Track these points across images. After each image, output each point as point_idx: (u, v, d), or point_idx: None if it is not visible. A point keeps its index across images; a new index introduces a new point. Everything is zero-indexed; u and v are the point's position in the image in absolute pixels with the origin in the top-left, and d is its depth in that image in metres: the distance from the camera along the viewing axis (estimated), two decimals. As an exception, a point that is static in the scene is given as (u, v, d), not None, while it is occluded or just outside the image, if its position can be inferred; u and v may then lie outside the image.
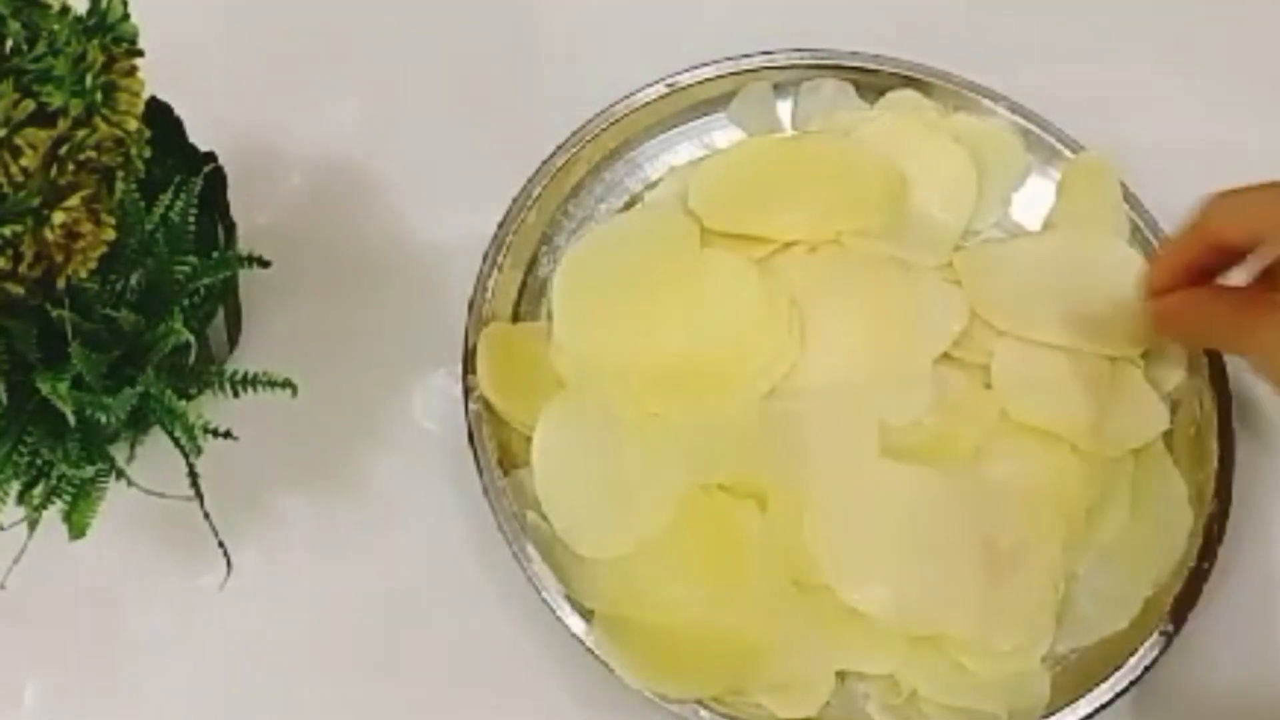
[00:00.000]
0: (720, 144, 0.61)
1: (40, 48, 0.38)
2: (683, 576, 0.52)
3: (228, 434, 0.49)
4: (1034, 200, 0.60)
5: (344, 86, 0.63)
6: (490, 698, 0.53)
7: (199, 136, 0.52)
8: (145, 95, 0.40)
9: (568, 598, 0.51)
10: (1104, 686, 0.50)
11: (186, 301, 0.48)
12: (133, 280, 0.47)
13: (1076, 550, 0.53)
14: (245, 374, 0.48)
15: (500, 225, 0.56)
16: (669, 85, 0.59)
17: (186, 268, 0.48)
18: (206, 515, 0.48)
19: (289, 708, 0.53)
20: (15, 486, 0.46)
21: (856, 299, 0.56)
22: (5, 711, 0.52)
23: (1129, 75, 0.65)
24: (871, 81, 0.60)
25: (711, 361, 0.55)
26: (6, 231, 0.38)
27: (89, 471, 0.46)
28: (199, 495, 0.48)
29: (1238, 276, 0.49)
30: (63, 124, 0.38)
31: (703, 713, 0.49)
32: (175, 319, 0.45)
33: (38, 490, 0.46)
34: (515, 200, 0.57)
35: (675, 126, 0.61)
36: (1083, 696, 0.50)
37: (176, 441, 0.47)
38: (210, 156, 0.52)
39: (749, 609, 0.51)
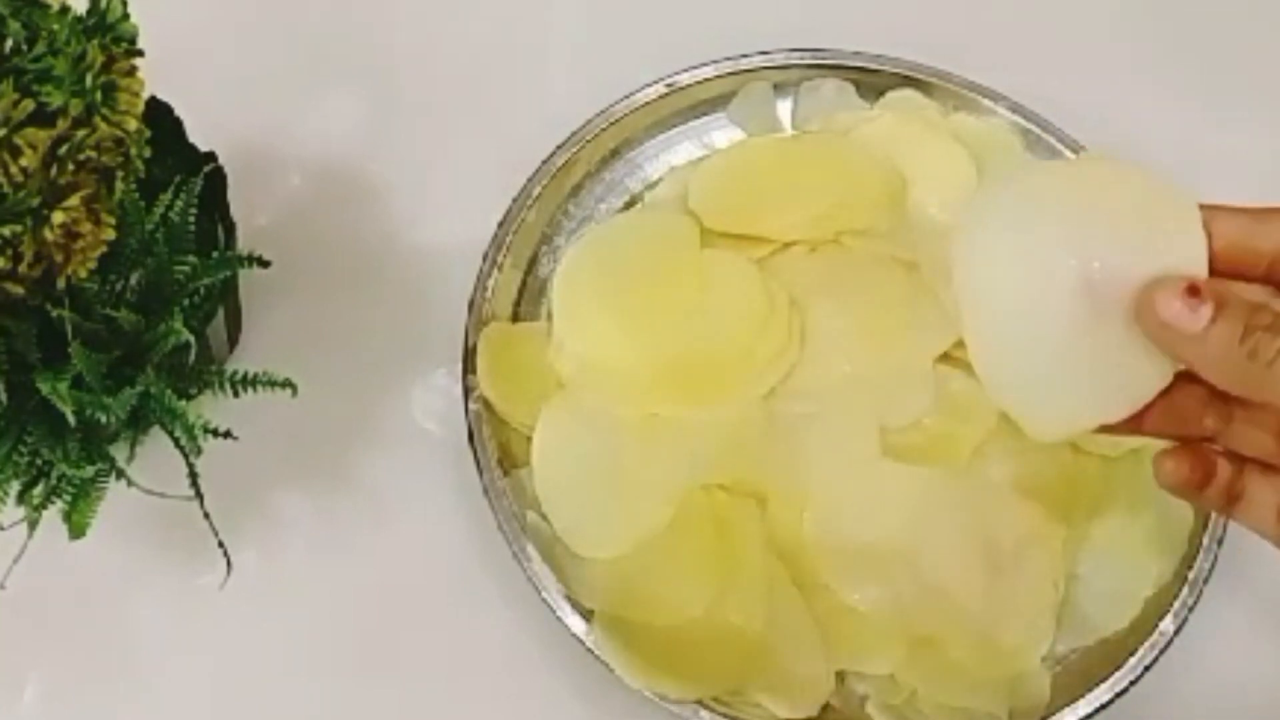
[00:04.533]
0: (720, 144, 0.61)
1: (40, 48, 0.38)
2: (683, 576, 0.52)
3: (228, 434, 0.49)
4: (1034, 200, 0.59)
5: (344, 87, 0.63)
6: (490, 698, 0.53)
7: (199, 136, 0.52)
8: (145, 95, 0.40)
9: (568, 598, 0.51)
10: (1104, 686, 0.50)
11: (186, 301, 0.48)
12: (133, 280, 0.47)
13: (1076, 550, 0.53)
14: (245, 374, 0.48)
15: (500, 225, 0.56)
16: (669, 85, 0.59)
17: (186, 268, 0.48)
18: (206, 515, 0.48)
19: (289, 707, 0.53)
20: (15, 486, 0.46)
21: (856, 299, 0.56)
22: (5, 709, 0.52)
23: (1129, 75, 0.65)
24: (871, 81, 0.60)
25: (711, 361, 0.55)
26: (6, 231, 0.38)
27: (89, 471, 0.46)
28: (199, 495, 0.48)
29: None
30: (62, 124, 0.38)
31: (703, 713, 0.49)
32: (175, 319, 0.45)
33: (38, 490, 0.46)
34: (515, 200, 0.57)
35: (675, 126, 0.61)
36: (1083, 696, 0.50)
37: (176, 441, 0.47)
38: (210, 156, 0.52)
39: (749, 609, 0.51)
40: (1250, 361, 0.34)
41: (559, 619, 0.50)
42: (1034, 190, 0.39)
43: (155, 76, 0.42)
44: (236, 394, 0.49)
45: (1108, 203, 0.37)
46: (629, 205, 0.60)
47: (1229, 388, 0.36)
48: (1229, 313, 0.34)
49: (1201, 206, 0.37)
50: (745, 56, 0.60)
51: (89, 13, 0.40)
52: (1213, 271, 0.37)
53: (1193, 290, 0.35)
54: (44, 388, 0.43)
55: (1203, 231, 0.37)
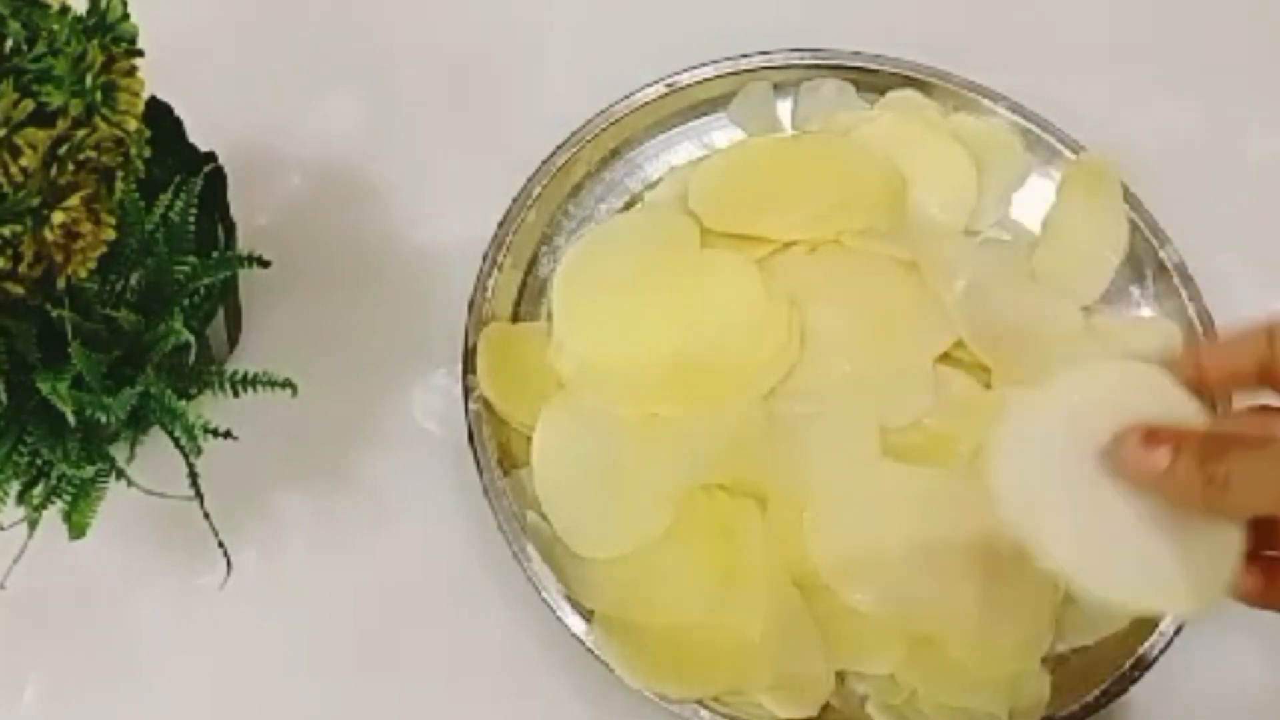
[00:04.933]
0: (720, 144, 0.61)
1: (40, 48, 0.38)
2: (683, 576, 0.52)
3: (228, 434, 0.49)
4: (1034, 200, 0.60)
5: (344, 87, 0.63)
6: (490, 698, 0.53)
7: (199, 136, 0.52)
8: (145, 95, 0.40)
9: (568, 598, 0.51)
10: (1104, 686, 0.50)
11: (186, 301, 0.48)
12: (133, 280, 0.47)
13: (1076, 550, 0.53)
14: (245, 374, 0.48)
15: (500, 225, 0.56)
16: (669, 85, 0.59)
17: (186, 268, 0.48)
18: (206, 515, 0.48)
19: (289, 707, 0.53)
20: (15, 486, 0.46)
21: (856, 299, 0.56)
22: (5, 709, 0.52)
23: (1129, 75, 0.65)
24: (871, 81, 0.60)
25: (711, 361, 0.55)
26: (6, 231, 0.38)
27: (89, 471, 0.46)
28: (199, 495, 0.48)
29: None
30: (63, 124, 0.38)
31: (703, 713, 0.49)
32: (175, 319, 0.45)
33: (38, 490, 0.46)
34: (515, 200, 0.57)
35: (675, 126, 0.61)
36: (1083, 696, 0.50)
37: (176, 441, 0.47)
38: (210, 156, 0.52)
39: (749, 609, 0.51)
40: (1209, 486, 0.38)
41: (559, 619, 0.50)
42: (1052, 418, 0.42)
43: (155, 76, 0.42)
44: (236, 394, 0.49)
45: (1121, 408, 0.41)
46: (629, 205, 0.60)
47: (1204, 512, 0.39)
48: (1185, 448, 0.38)
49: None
50: (745, 56, 0.60)
51: (89, 13, 0.40)
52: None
53: (1150, 436, 0.39)
54: (44, 388, 0.43)
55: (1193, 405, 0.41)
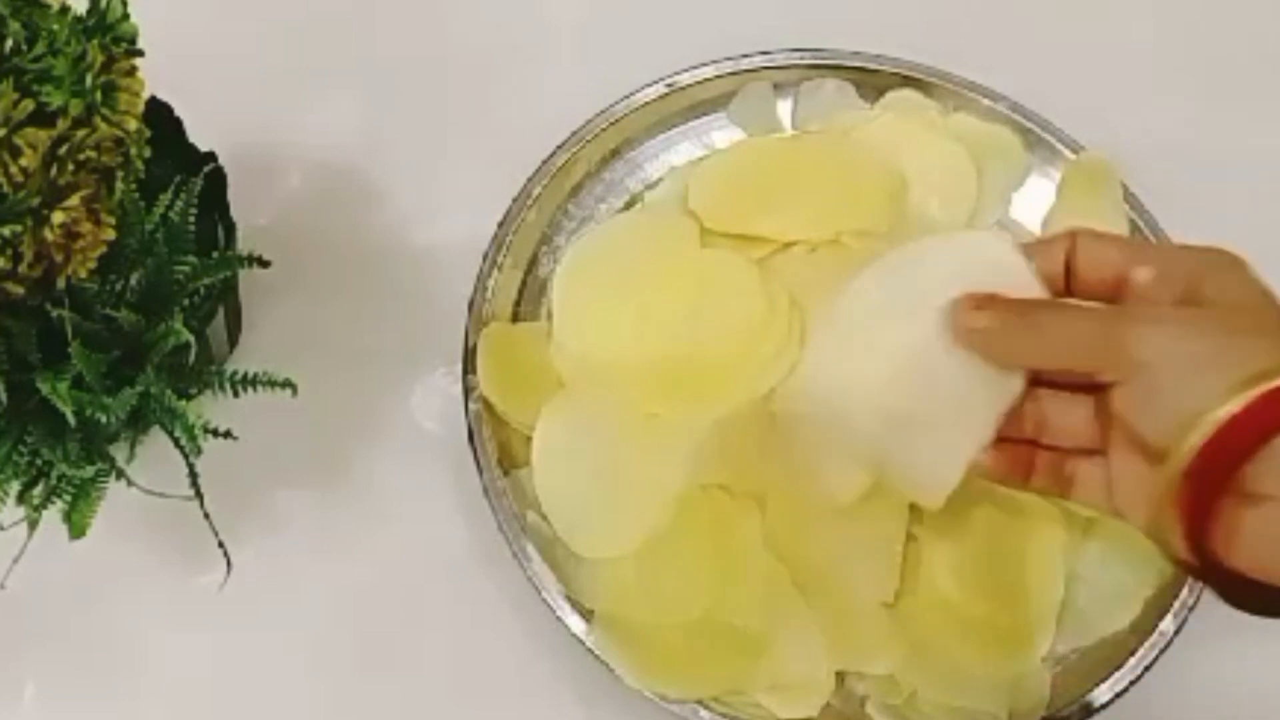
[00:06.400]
0: (720, 144, 0.61)
1: (40, 48, 0.38)
2: (683, 576, 0.52)
3: (228, 434, 0.49)
4: (1034, 200, 0.60)
5: (344, 87, 0.63)
6: (490, 698, 0.53)
7: (199, 136, 0.52)
8: (145, 95, 0.40)
9: (568, 598, 0.51)
10: (1104, 686, 0.50)
11: (186, 301, 0.48)
12: (133, 280, 0.47)
13: (1076, 550, 0.53)
14: (245, 374, 0.48)
15: (500, 225, 0.56)
16: (669, 85, 0.59)
17: (186, 268, 0.48)
18: (206, 515, 0.48)
19: (288, 707, 0.53)
20: (15, 486, 0.46)
21: (857, 299, 0.56)
22: (5, 709, 0.52)
23: (1129, 75, 0.65)
24: (871, 81, 0.60)
25: (711, 361, 0.55)
26: (6, 231, 0.38)
27: (89, 471, 0.46)
28: (199, 495, 0.48)
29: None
30: (63, 124, 0.38)
31: (703, 713, 0.49)
32: (175, 319, 0.46)
33: (38, 490, 0.46)
34: (515, 200, 0.57)
35: (675, 126, 0.61)
36: (1083, 696, 0.50)
37: (176, 441, 0.47)
38: (210, 156, 0.52)
39: (749, 609, 0.51)
40: (1028, 330, 0.41)
41: (559, 619, 0.50)
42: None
43: (155, 76, 0.42)
44: (236, 394, 0.49)
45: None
46: (629, 205, 0.60)
47: (1013, 361, 0.42)
48: (1006, 306, 0.41)
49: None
50: (745, 56, 0.60)
51: (89, 13, 0.40)
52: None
53: (979, 302, 0.42)
54: (44, 388, 0.43)
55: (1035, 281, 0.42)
